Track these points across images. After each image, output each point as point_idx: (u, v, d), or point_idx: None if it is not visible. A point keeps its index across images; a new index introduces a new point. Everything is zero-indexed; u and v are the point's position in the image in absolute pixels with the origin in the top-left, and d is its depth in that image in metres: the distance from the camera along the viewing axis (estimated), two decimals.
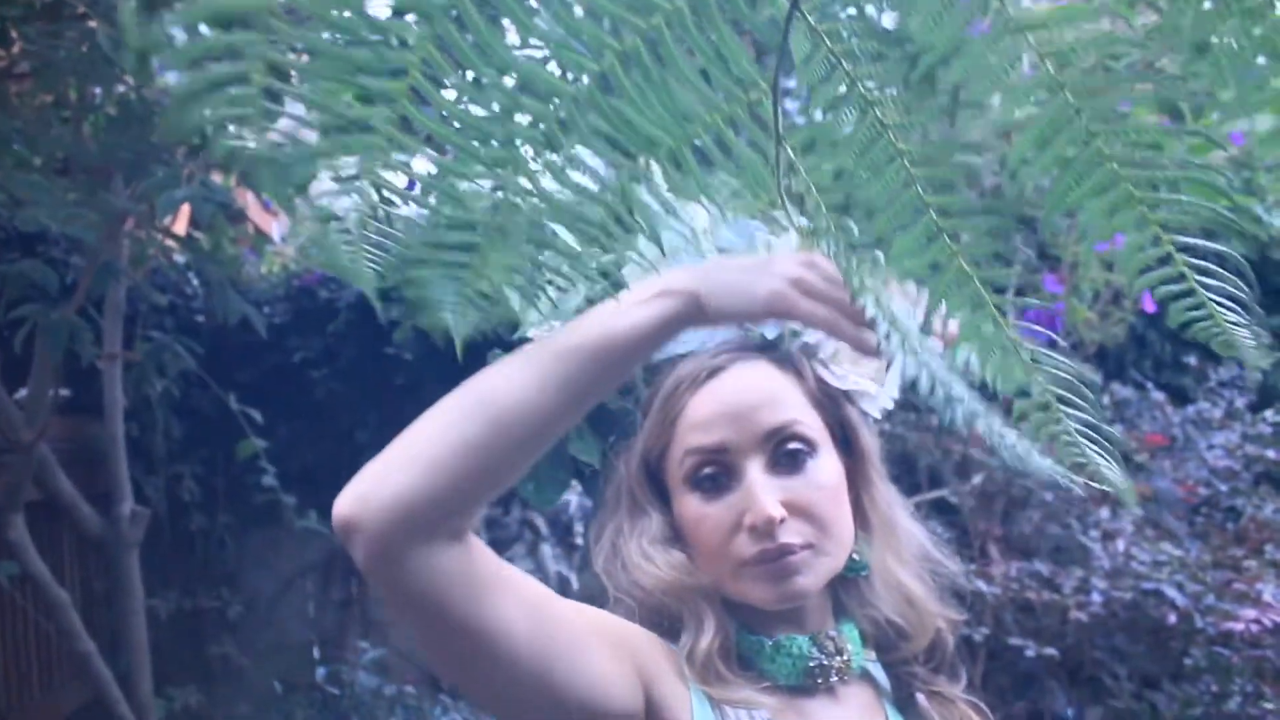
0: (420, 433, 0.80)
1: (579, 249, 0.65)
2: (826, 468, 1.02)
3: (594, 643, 0.93)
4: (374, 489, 0.78)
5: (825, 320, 0.84)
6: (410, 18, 0.54)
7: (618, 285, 0.86)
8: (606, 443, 1.14)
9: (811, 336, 1.07)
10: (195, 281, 4.39)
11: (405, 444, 0.81)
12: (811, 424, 1.02)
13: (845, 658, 1.03)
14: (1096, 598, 2.78)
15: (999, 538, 3.21)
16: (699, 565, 1.01)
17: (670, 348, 1.02)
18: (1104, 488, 0.78)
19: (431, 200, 0.62)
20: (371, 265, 0.62)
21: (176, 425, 4.25)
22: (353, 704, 3.48)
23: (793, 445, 1.00)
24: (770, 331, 1.07)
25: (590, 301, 0.90)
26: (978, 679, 3.17)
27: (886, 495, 1.07)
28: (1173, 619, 2.85)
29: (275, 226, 6.50)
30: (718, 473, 1.00)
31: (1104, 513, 3.21)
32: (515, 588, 0.87)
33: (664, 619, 1.01)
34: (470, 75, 0.55)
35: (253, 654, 4.33)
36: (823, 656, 1.02)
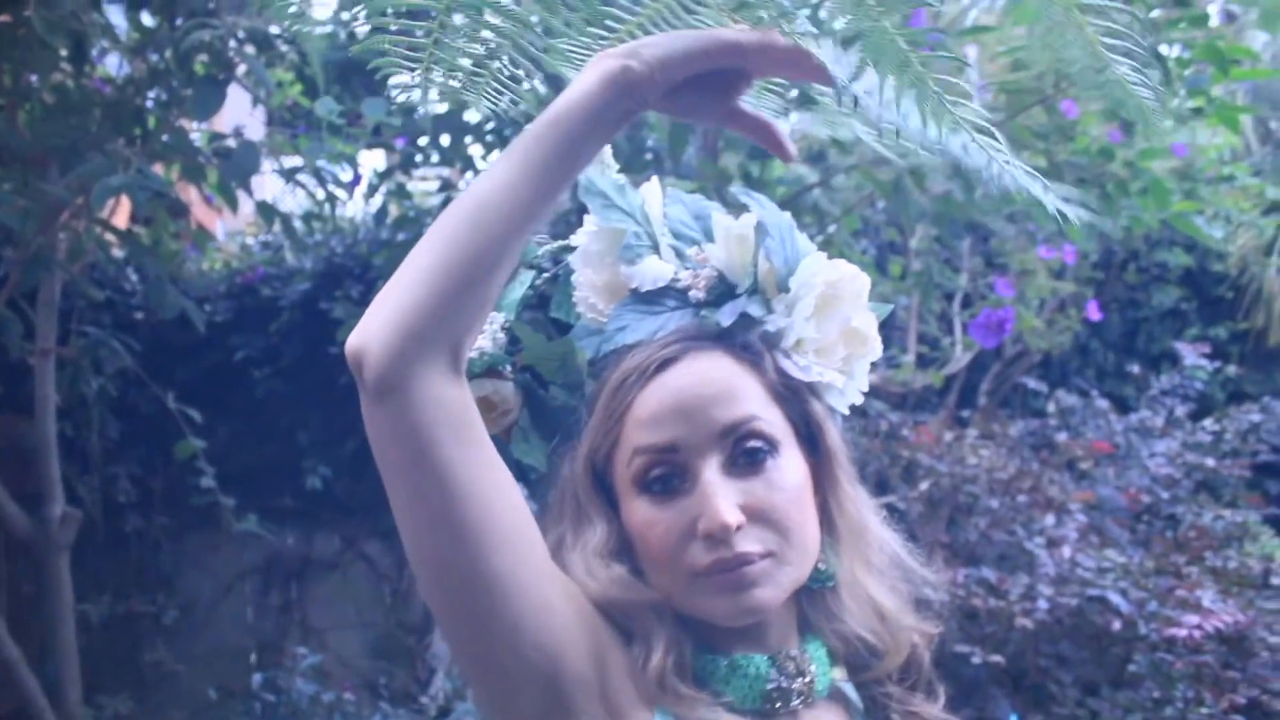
0: (418, 248, 0.85)
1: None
2: (789, 468, 0.92)
3: (564, 590, 0.89)
4: (379, 309, 0.84)
5: (771, 49, 0.86)
6: None
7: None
8: (551, 444, 1.04)
9: (773, 325, 0.97)
10: (134, 277, 4.30)
11: (405, 262, 0.85)
12: (772, 420, 0.93)
13: (808, 679, 0.94)
14: (1042, 604, 2.79)
15: (946, 544, 3.22)
16: (650, 576, 0.92)
17: (618, 337, 0.97)
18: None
19: None
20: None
21: (113, 424, 4.15)
22: (290, 711, 3.40)
23: (751, 443, 0.91)
24: (726, 318, 0.97)
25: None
26: None
27: (855, 498, 0.97)
28: (1117, 625, 2.87)
29: (219, 223, 6.39)
30: (669, 474, 0.91)
31: (1049, 519, 3.23)
32: (504, 472, 0.88)
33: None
34: None
35: (188, 660, 4.23)
36: (782, 679, 0.93)
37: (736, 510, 0.88)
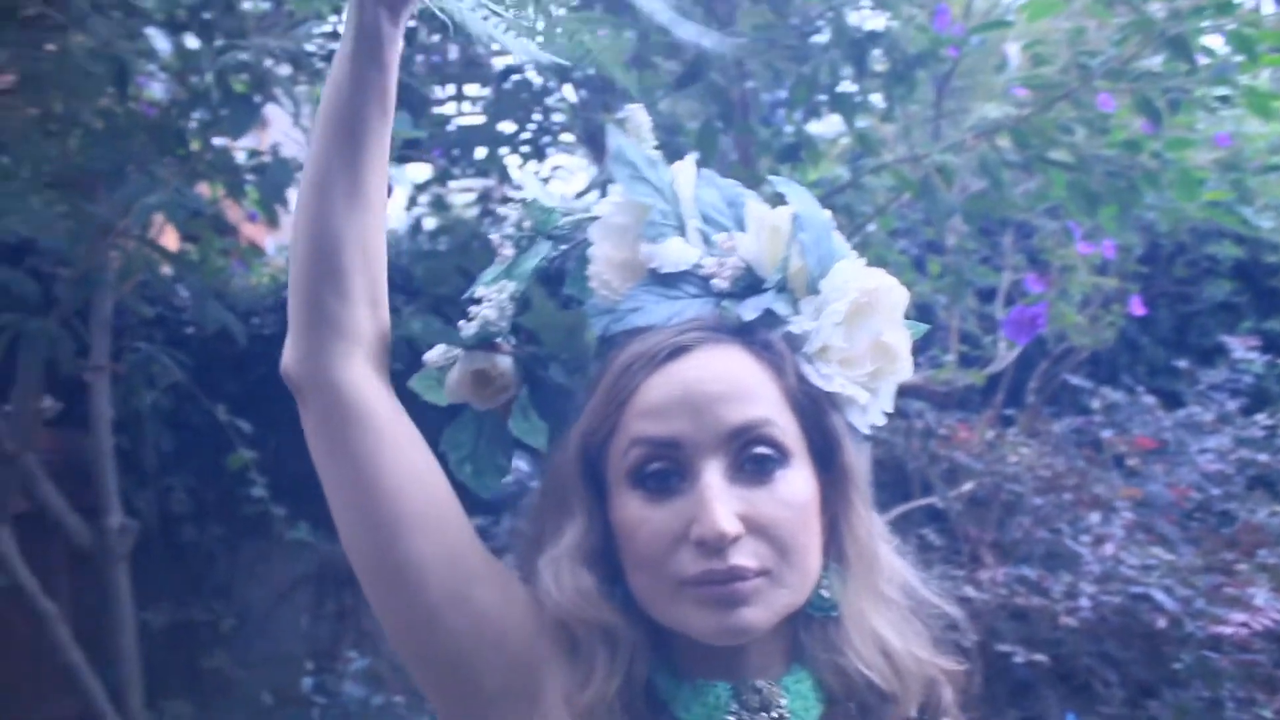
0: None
1: None
2: (797, 482, 0.86)
3: (499, 588, 0.88)
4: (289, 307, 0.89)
5: None
6: None
7: None
8: (553, 425, 0.98)
9: (798, 327, 0.90)
10: (184, 293, 4.40)
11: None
12: (786, 427, 0.86)
13: (775, 715, 0.86)
14: (1085, 603, 2.76)
15: (990, 544, 3.20)
16: (630, 578, 0.85)
17: (630, 318, 0.90)
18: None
19: None
20: None
21: (167, 437, 4.25)
22: (341, 714, 3.47)
23: (760, 449, 0.84)
24: (749, 312, 0.89)
25: None
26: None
27: (868, 523, 0.90)
28: (1162, 623, 2.83)
29: (269, 239, 6.51)
30: (667, 470, 0.84)
31: (1094, 517, 3.19)
32: (421, 458, 0.89)
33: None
34: None
35: (246, 666, 4.32)
36: (742, 711, 0.86)
37: (735, 519, 0.82)
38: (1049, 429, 3.39)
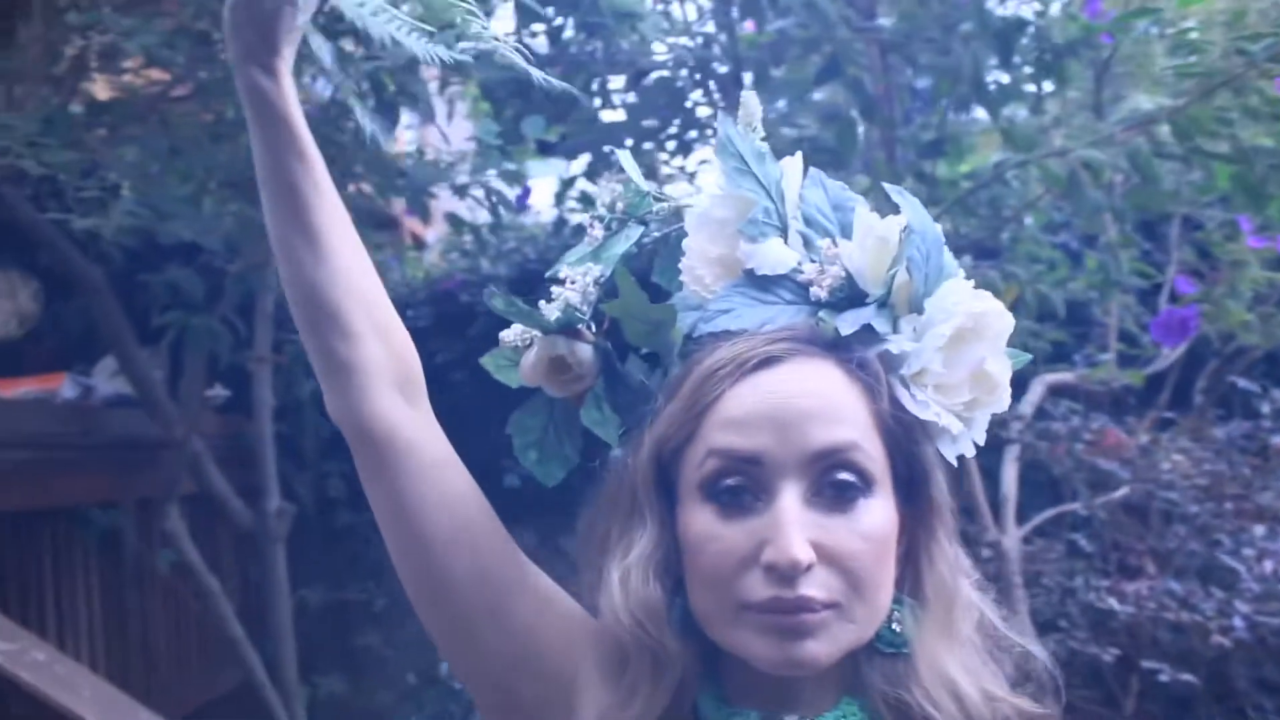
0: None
1: None
2: (878, 513, 0.81)
3: (542, 598, 0.89)
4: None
5: None
6: None
7: None
8: (626, 420, 0.94)
9: (896, 347, 0.84)
10: None
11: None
12: (873, 453, 0.81)
13: None
14: (1239, 623, 2.60)
15: (1140, 554, 3.05)
16: (692, 593, 0.82)
17: (720, 319, 0.85)
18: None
19: None
20: None
21: (325, 425, 4.44)
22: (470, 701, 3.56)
23: (843, 475, 0.80)
24: (847, 326, 0.83)
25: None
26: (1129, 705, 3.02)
27: (950, 559, 0.85)
28: None
29: (431, 233, 6.73)
30: (742, 486, 0.79)
31: (1259, 530, 3.00)
32: (450, 480, 0.89)
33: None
34: None
35: (396, 646, 4.48)
36: None
37: (809, 547, 0.77)
38: (1208, 433, 3.19)
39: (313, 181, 0.89)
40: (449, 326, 4.59)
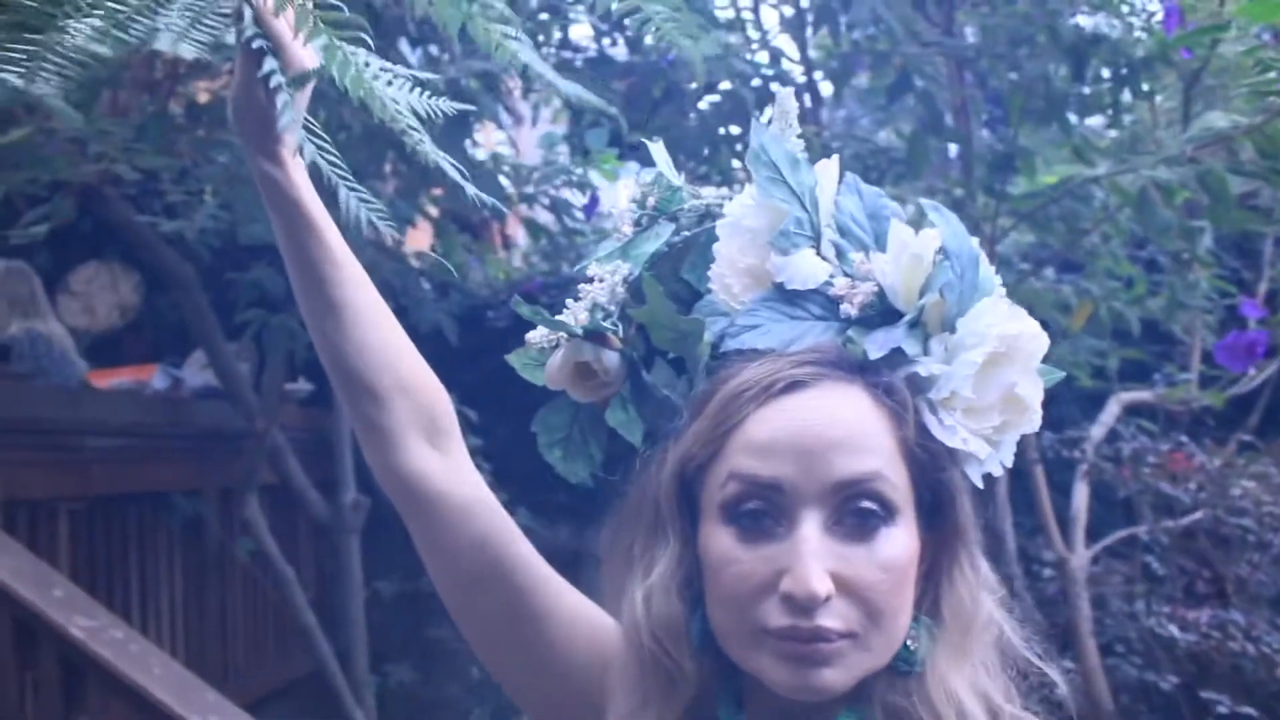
0: None
1: None
2: (899, 542, 0.80)
3: (564, 617, 0.92)
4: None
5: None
6: None
7: None
8: (651, 426, 0.92)
9: (925, 369, 0.83)
10: (426, 286, 4.71)
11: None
12: (897, 481, 0.80)
13: None
14: None
15: (1209, 580, 2.97)
16: (711, 611, 0.83)
17: (747, 336, 0.84)
18: None
19: None
20: None
21: None
22: None
23: (866, 504, 0.79)
24: (876, 350, 0.82)
25: None
26: None
27: (972, 583, 0.85)
28: None
29: (521, 235, 6.86)
30: (763, 511, 0.79)
31: None
32: (472, 518, 0.93)
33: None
34: None
35: (465, 639, 4.58)
36: None
37: (828, 579, 0.77)
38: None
39: (329, 258, 0.94)
40: (528, 327, 4.67)
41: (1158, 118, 3.49)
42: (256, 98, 0.90)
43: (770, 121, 0.94)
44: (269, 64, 0.89)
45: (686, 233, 0.94)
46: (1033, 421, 0.85)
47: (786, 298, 0.86)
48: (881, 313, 0.85)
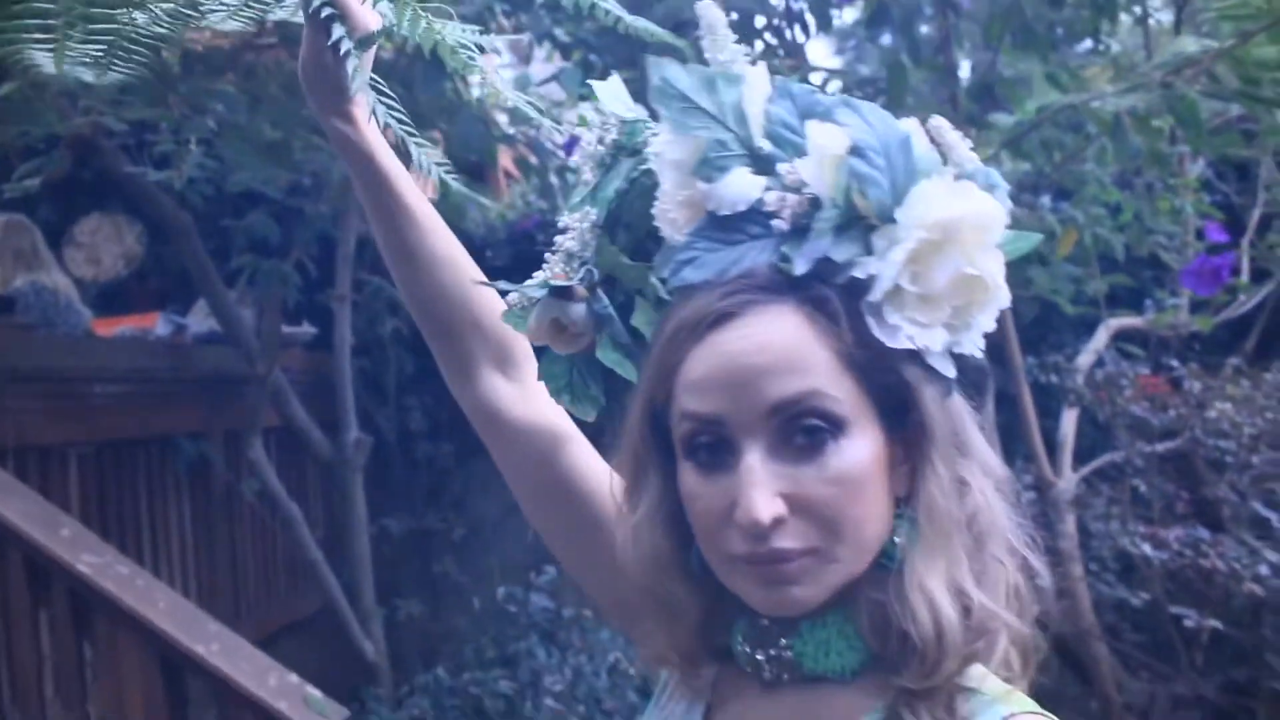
0: None
1: None
2: (852, 453, 0.80)
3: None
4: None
5: None
6: None
7: None
8: (637, 365, 0.92)
9: (862, 271, 0.80)
10: None
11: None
12: (840, 395, 0.79)
13: (775, 653, 0.85)
14: (1264, 570, 2.57)
15: (1188, 502, 3.02)
16: (700, 542, 0.85)
17: (684, 272, 0.83)
18: None
19: None
20: None
21: (407, 360, 4.65)
22: (529, 624, 3.74)
23: (809, 422, 0.79)
24: (800, 266, 0.80)
25: None
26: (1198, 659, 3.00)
27: (943, 480, 0.83)
28: None
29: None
30: (714, 445, 0.81)
31: None
32: (537, 437, 1.03)
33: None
34: None
35: (473, 574, 4.70)
36: (745, 645, 0.87)
37: (775, 502, 0.78)
38: (1258, 381, 3.12)
39: (403, 207, 1.02)
40: (526, 265, 4.68)
41: (1156, 43, 3.47)
42: (326, 65, 0.97)
43: (700, 38, 0.91)
44: (337, 30, 0.95)
45: (645, 166, 0.91)
46: (999, 296, 0.83)
47: (720, 224, 0.83)
48: (819, 221, 0.81)
